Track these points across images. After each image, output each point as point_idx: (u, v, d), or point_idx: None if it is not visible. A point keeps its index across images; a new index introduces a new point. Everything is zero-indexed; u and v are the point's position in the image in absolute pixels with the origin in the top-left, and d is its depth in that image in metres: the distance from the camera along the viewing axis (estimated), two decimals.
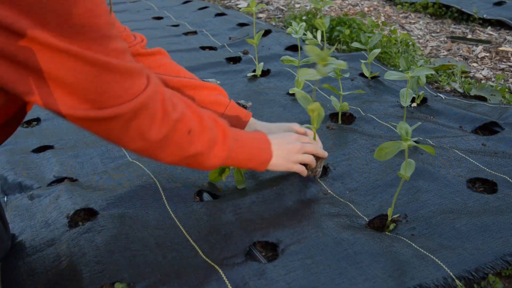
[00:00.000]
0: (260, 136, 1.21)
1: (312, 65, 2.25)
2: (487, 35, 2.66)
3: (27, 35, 0.75)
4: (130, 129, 0.91)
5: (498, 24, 2.78)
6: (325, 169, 1.44)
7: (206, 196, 1.32)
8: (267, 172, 1.43)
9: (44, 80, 0.80)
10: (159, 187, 1.32)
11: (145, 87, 0.90)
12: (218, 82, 2.00)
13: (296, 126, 1.35)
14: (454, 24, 2.87)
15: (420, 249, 1.08)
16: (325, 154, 1.32)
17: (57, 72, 0.79)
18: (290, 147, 1.25)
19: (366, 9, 3.24)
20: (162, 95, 0.95)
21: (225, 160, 1.11)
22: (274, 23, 3.03)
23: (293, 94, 1.94)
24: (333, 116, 1.76)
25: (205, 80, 1.95)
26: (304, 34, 2.21)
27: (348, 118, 1.76)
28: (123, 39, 1.20)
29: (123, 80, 0.86)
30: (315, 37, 2.28)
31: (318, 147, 1.30)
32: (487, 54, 2.39)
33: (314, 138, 1.33)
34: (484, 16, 2.80)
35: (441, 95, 1.93)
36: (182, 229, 1.18)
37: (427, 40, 2.65)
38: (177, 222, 1.20)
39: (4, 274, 1.08)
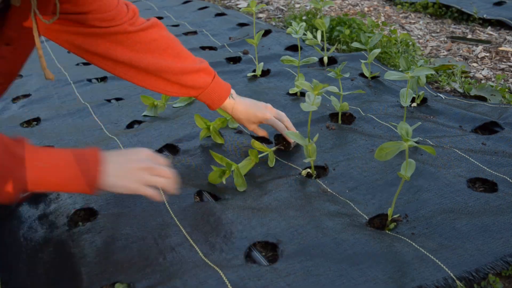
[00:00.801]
0: (84, 154, 1.04)
1: (312, 65, 2.25)
2: (487, 35, 2.66)
3: None
4: None
5: (498, 24, 2.78)
6: (325, 169, 1.44)
7: (206, 196, 1.32)
8: (267, 173, 1.43)
9: None
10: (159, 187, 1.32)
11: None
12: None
13: (269, 107, 1.48)
14: (454, 24, 2.87)
15: (420, 249, 1.08)
16: (169, 175, 1.13)
17: None
18: (133, 166, 1.09)
19: (366, 9, 3.24)
20: None
21: (25, 188, 0.97)
22: (274, 23, 3.03)
23: (293, 94, 1.94)
24: (333, 116, 1.76)
25: None
26: (304, 34, 2.21)
27: (348, 118, 1.76)
28: (113, 17, 1.26)
29: None
30: (315, 37, 2.28)
31: (171, 181, 1.13)
32: (487, 54, 2.39)
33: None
34: (484, 16, 2.80)
35: (441, 95, 1.93)
36: (182, 229, 1.18)
37: (427, 40, 2.65)
38: (177, 222, 1.20)
39: (4, 274, 1.08)
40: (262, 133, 1.55)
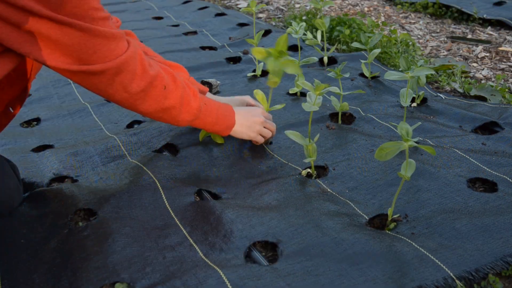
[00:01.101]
0: (226, 106, 1.44)
1: (312, 65, 2.25)
2: (487, 35, 2.66)
3: (34, 11, 0.97)
4: (115, 83, 1.14)
5: (498, 24, 2.78)
6: (325, 169, 1.44)
7: (206, 196, 1.32)
8: (267, 173, 1.43)
9: (46, 43, 1.02)
10: (159, 186, 1.32)
11: (126, 49, 1.13)
12: (218, 82, 1.99)
13: (248, 98, 1.63)
14: (454, 24, 2.87)
15: (420, 248, 1.08)
16: (274, 129, 1.55)
17: (57, 38, 1.02)
18: (254, 119, 1.47)
19: (366, 9, 3.24)
20: (140, 56, 1.17)
21: (194, 118, 1.34)
22: (274, 23, 3.03)
23: (293, 94, 1.94)
24: (333, 116, 1.76)
25: (205, 80, 1.95)
26: (304, 34, 2.21)
27: (348, 118, 1.76)
28: None
29: (109, 43, 1.08)
30: (315, 37, 2.28)
31: (274, 125, 1.54)
32: (487, 54, 2.39)
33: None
34: (484, 16, 2.80)
35: (441, 95, 1.93)
36: (182, 229, 1.18)
37: (427, 40, 2.65)
38: (177, 221, 1.20)
39: (4, 274, 1.08)
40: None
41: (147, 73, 1.18)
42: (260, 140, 1.51)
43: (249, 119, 1.47)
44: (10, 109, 1.28)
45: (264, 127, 1.50)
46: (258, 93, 1.55)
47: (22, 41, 1.01)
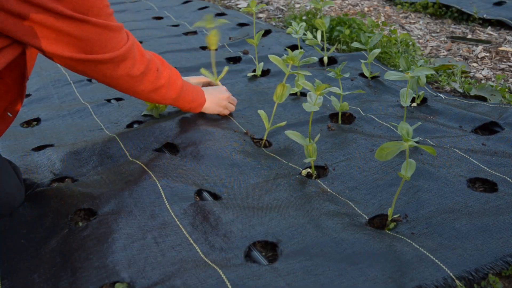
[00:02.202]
0: (197, 87, 1.66)
1: (312, 65, 2.25)
2: (487, 35, 2.66)
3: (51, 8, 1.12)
4: (119, 69, 1.31)
5: (498, 24, 2.78)
6: (325, 169, 1.44)
7: (206, 196, 1.32)
8: (267, 173, 1.43)
9: (62, 36, 1.16)
10: (159, 186, 1.32)
11: (127, 39, 1.31)
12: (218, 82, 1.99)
13: (202, 77, 1.83)
14: (454, 24, 2.87)
15: (420, 248, 1.08)
16: (235, 102, 1.81)
17: (74, 32, 1.17)
18: (221, 96, 1.72)
19: (366, 9, 3.24)
20: (137, 44, 1.37)
21: (178, 96, 1.54)
22: (274, 23, 3.03)
23: (293, 94, 1.94)
24: (333, 116, 1.76)
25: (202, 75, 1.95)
26: (304, 34, 2.21)
27: (348, 118, 1.76)
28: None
29: (116, 35, 1.26)
30: (315, 37, 2.28)
31: (235, 100, 1.80)
32: (487, 54, 2.39)
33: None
34: (484, 16, 2.80)
35: (441, 95, 1.93)
36: (182, 229, 1.18)
37: (427, 40, 2.65)
38: (177, 221, 1.20)
39: (4, 274, 1.08)
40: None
41: (144, 58, 1.37)
42: (226, 112, 1.74)
43: (217, 95, 1.70)
44: (9, 114, 1.29)
45: (229, 102, 1.74)
46: (262, 113, 1.60)
47: (33, 35, 1.14)
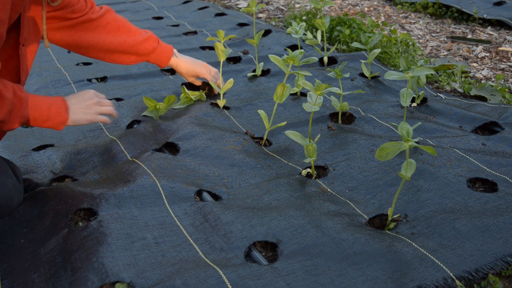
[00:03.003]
0: (57, 101, 1.39)
1: (312, 65, 2.25)
2: (487, 35, 2.66)
3: None
4: None
5: (498, 24, 2.78)
6: (325, 169, 1.44)
7: (206, 196, 1.32)
8: (267, 173, 1.43)
9: None
10: (159, 186, 1.32)
11: None
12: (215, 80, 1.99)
13: (206, 64, 1.90)
14: (454, 24, 2.87)
15: (420, 248, 1.08)
16: (111, 103, 1.54)
17: None
18: (88, 103, 1.46)
19: (366, 9, 3.24)
20: None
21: (24, 123, 1.31)
22: (274, 23, 3.03)
23: (293, 94, 1.94)
24: (333, 116, 1.76)
25: (205, 81, 1.94)
26: (304, 34, 2.21)
27: (348, 118, 1.76)
28: (80, 9, 1.59)
29: None
30: (315, 37, 2.28)
31: (109, 101, 1.55)
32: (487, 54, 2.39)
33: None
34: (484, 16, 2.80)
35: (441, 95, 1.93)
36: (182, 229, 1.18)
37: (427, 40, 2.65)
38: (177, 221, 1.20)
39: (4, 274, 1.08)
40: (198, 83, 1.93)
41: None
42: (104, 119, 1.49)
43: (83, 104, 1.45)
44: None
45: (102, 106, 1.49)
46: (262, 113, 1.56)
47: None
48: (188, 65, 1.87)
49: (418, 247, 1.08)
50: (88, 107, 1.45)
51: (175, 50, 1.85)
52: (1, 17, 1.15)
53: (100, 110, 1.48)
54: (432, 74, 2.12)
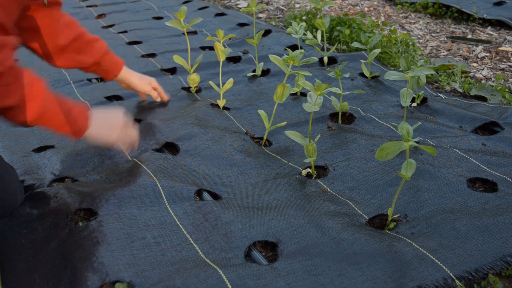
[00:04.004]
0: (82, 107, 1.27)
1: (312, 65, 2.25)
2: (487, 35, 2.66)
3: None
4: None
5: (498, 24, 2.78)
6: (325, 169, 1.44)
7: (206, 196, 1.32)
8: (267, 173, 1.43)
9: None
10: (159, 186, 1.32)
11: None
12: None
13: (153, 80, 1.80)
14: (454, 24, 2.87)
15: (420, 248, 1.08)
16: (136, 135, 1.44)
17: None
18: (114, 122, 1.32)
19: (366, 9, 3.24)
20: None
21: (39, 117, 1.17)
22: (274, 23, 3.03)
23: (293, 94, 1.94)
24: (333, 116, 1.76)
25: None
26: (304, 34, 2.21)
27: (348, 118, 1.76)
28: None
29: None
30: (315, 37, 2.28)
31: (136, 133, 1.42)
32: (487, 54, 2.39)
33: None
34: (484, 16, 2.80)
35: (441, 95, 1.93)
36: (182, 229, 1.18)
37: (427, 40, 2.65)
38: (177, 221, 1.20)
39: (4, 274, 1.08)
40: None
41: None
42: (121, 149, 1.32)
43: (108, 122, 1.31)
44: None
45: (127, 133, 1.35)
46: (262, 113, 1.56)
47: None
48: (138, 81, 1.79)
49: (418, 247, 1.09)
50: (112, 127, 1.32)
51: (125, 66, 1.77)
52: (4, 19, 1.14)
53: (122, 139, 1.35)
54: (432, 74, 2.12)
